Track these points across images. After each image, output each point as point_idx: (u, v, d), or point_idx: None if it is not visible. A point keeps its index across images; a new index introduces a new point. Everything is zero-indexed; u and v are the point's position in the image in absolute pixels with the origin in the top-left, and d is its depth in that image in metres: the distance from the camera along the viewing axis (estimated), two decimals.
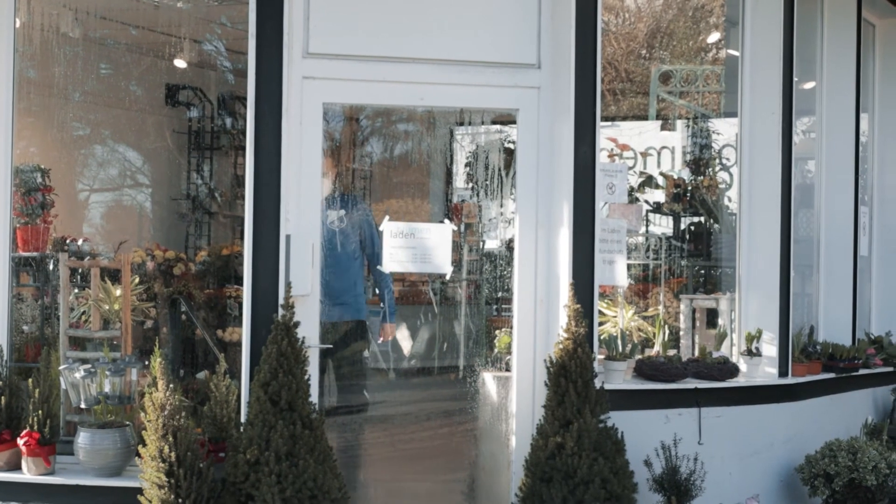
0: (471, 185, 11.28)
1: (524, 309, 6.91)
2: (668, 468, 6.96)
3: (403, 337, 10.24)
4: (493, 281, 10.52)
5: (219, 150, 11.62)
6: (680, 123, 12.12)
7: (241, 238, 6.64)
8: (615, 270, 7.29)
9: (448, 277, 10.01)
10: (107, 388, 6.27)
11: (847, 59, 9.72)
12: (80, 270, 7.55)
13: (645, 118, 12.83)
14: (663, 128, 12.32)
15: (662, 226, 10.57)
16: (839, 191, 9.67)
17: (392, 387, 9.76)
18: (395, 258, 6.93)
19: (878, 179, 10.99)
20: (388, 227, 6.80)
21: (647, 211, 10.33)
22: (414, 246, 6.91)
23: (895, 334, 10.54)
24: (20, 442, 6.29)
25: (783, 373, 8.01)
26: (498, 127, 10.78)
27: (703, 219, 10.17)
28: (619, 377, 7.22)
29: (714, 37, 13.75)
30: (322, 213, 6.70)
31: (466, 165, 11.80)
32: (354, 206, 7.30)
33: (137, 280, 8.01)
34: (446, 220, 6.83)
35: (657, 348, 7.78)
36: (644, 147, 11.92)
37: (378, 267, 7.12)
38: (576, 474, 6.05)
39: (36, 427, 6.29)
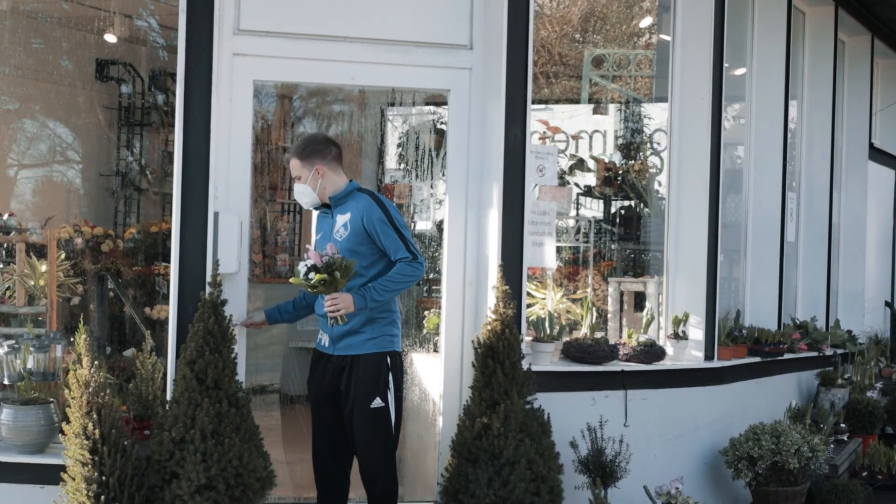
0: (402, 165, 11.28)
1: (453, 290, 6.91)
2: (594, 450, 7.00)
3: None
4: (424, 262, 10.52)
5: (149, 126, 11.54)
6: (612, 107, 12.18)
7: (171, 215, 6.58)
8: (544, 252, 7.32)
9: None
10: (31, 365, 6.20)
11: (777, 46, 9.83)
12: (5, 245, 7.47)
13: (577, 101, 12.87)
14: (595, 111, 12.37)
15: (593, 209, 10.62)
16: (767, 176, 9.78)
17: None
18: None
19: (806, 166, 11.12)
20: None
21: (578, 194, 10.38)
22: None
23: (820, 319, 10.68)
24: None
25: (709, 356, 8.09)
26: (430, 108, 10.79)
27: (633, 203, 10.24)
28: (547, 359, 7.25)
29: (647, 21, 13.81)
30: (251, 191, 6.66)
31: (398, 146, 11.81)
32: None
33: (64, 256, 7.95)
34: None
35: (585, 331, 7.81)
36: (576, 130, 11.95)
37: None
38: (502, 455, 6.07)
39: None
